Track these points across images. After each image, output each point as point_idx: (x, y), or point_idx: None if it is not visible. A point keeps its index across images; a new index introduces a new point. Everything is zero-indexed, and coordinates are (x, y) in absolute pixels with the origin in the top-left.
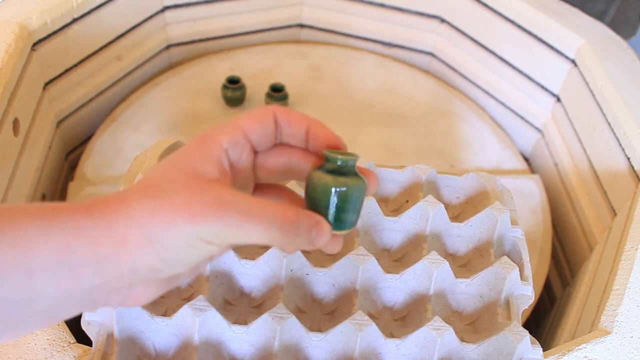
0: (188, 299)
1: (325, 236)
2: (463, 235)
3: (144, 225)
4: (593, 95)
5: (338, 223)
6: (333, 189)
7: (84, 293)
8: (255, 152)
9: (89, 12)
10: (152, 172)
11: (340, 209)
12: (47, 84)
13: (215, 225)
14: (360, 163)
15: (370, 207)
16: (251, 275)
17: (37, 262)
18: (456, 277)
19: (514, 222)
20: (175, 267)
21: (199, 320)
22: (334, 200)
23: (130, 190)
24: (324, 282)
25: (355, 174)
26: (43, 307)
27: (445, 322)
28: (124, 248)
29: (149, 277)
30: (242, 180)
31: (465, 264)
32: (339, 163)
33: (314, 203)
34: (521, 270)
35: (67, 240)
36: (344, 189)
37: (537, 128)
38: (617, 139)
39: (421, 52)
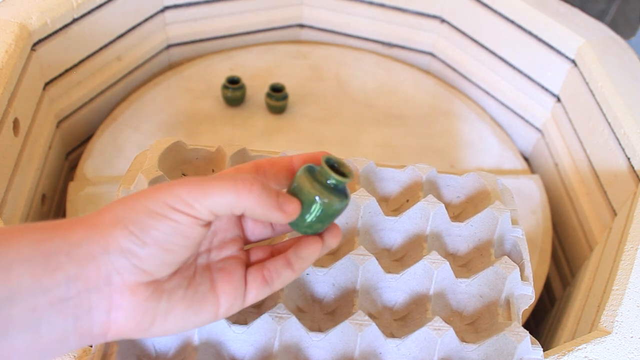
0: None
1: (293, 204)
2: (463, 235)
3: (115, 210)
4: (593, 95)
5: (304, 225)
6: (317, 198)
7: (62, 289)
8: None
9: (89, 12)
10: None
11: (314, 217)
12: (47, 84)
13: (182, 189)
14: (361, 163)
15: (370, 207)
16: None
17: (15, 253)
18: (456, 277)
19: (514, 222)
20: (149, 247)
21: None
22: (312, 208)
23: None
24: (324, 282)
25: (343, 192)
26: (23, 308)
27: (446, 322)
28: (95, 230)
29: (125, 265)
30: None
31: (465, 263)
32: (328, 182)
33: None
34: (522, 270)
35: (43, 234)
36: (325, 200)
37: (537, 128)
38: (617, 139)
39: (421, 52)
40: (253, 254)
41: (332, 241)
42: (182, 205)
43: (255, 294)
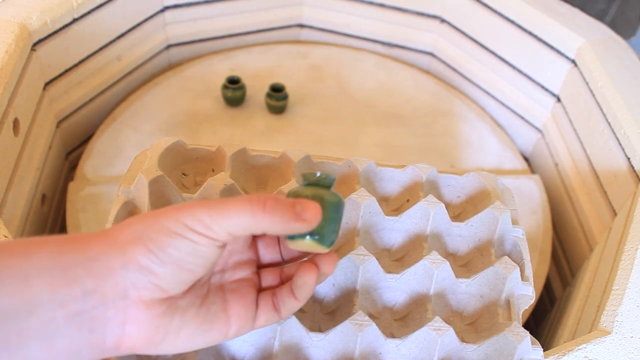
0: None
1: (312, 210)
2: (464, 235)
3: (134, 227)
4: (593, 95)
5: (317, 235)
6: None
7: (79, 302)
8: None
9: (89, 12)
10: None
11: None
12: (47, 84)
13: (200, 211)
14: (361, 163)
15: (370, 207)
16: None
17: (34, 266)
18: (457, 277)
19: (514, 222)
20: (166, 265)
21: None
22: None
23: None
24: (324, 282)
25: (332, 191)
26: (40, 320)
27: (446, 322)
28: (114, 246)
29: (142, 281)
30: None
31: (465, 263)
32: (317, 175)
33: None
34: (522, 270)
35: (61, 246)
36: (318, 196)
37: (537, 128)
38: (617, 139)
39: (421, 52)
40: (264, 278)
41: (327, 267)
42: (201, 226)
43: (265, 319)
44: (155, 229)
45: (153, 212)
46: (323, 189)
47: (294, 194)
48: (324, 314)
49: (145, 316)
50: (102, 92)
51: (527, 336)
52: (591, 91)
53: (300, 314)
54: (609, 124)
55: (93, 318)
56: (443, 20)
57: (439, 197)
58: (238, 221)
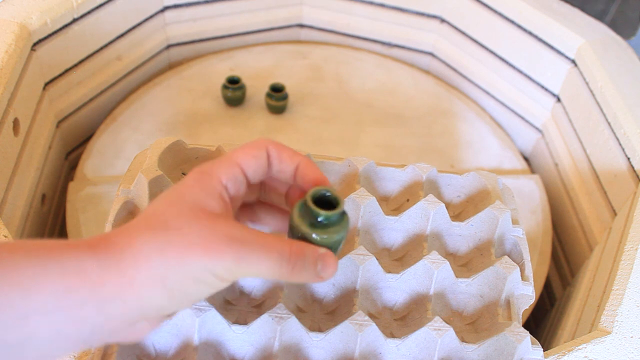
0: None
1: (330, 268)
2: (464, 235)
3: (154, 265)
4: (593, 95)
5: None
6: (314, 236)
7: (83, 334)
8: (249, 184)
9: (89, 12)
10: (154, 206)
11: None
12: (47, 84)
13: (230, 260)
14: (361, 162)
15: (370, 207)
16: None
17: (34, 305)
18: (457, 276)
19: (515, 222)
20: (183, 303)
21: (199, 321)
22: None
23: (136, 226)
24: (324, 282)
25: (339, 221)
26: (36, 352)
27: (446, 322)
28: (131, 289)
29: (155, 315)
30: (235, 209)
31: (465, 263)
32: (319, 219)
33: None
34: (522, 270)
35: (67, 283)
36: (324, 236)
37: (537, 128)
38: (617, 139)
39: (421, 52)
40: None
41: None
42: (227, 274)
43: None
44: (180, 275)
45: (174, 247)
46: (332, 227)
47: (298, 230)
48: (324, 314)
49: (147, 328)
50: (102, 92)
51: (527, 336)
52: (591, 91)
53: (300, 314)
54: (609, 124)
55: (100, 342)
56: (443, 20)
57: (439, 196)
58: (262, 270)
